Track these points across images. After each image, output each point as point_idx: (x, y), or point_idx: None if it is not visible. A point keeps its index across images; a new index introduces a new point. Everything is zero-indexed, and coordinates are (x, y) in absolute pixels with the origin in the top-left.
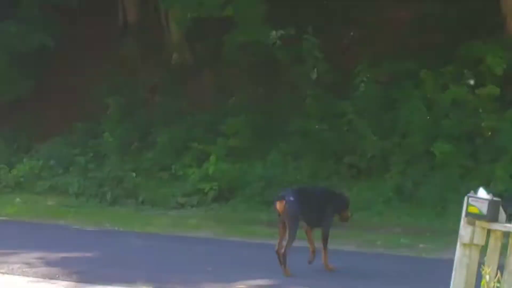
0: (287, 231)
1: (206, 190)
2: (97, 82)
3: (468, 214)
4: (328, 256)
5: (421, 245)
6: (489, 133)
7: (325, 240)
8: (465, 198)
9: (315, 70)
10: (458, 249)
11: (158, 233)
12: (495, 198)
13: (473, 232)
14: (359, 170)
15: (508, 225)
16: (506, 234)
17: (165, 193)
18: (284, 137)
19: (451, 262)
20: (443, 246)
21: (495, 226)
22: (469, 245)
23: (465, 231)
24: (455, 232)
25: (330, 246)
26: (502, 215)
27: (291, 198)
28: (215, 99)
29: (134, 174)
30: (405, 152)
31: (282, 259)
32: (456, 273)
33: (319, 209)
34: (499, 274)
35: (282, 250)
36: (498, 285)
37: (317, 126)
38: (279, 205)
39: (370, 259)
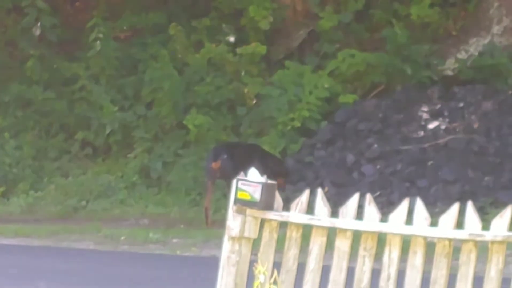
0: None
1: None
2: None
3: (237, 200)
4: None
5: (174, 240)
6: (254, 101)
7: None
8: (235, 181)
9: (39, 24)
10: (226, 243)
11: None
12: (270, 181)
13: (243, 223)
14: (94, 148)
15: (285, 213)
16: (283, 225)
17: None
18: None
19: (213, 259)
20: (201, 241)
21: (269, 215)
22: (239, 238)
23: (234, 222)
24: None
25: (59, 244)
26: (279, 201)
27: (225, 156)
28: None
29: None
30: (151, 126)
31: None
32: (223, 273)
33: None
34: (275, 273)
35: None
36: (275, 287)
37: (41, 95)
38: (214, 165)
39: (112, 259)
